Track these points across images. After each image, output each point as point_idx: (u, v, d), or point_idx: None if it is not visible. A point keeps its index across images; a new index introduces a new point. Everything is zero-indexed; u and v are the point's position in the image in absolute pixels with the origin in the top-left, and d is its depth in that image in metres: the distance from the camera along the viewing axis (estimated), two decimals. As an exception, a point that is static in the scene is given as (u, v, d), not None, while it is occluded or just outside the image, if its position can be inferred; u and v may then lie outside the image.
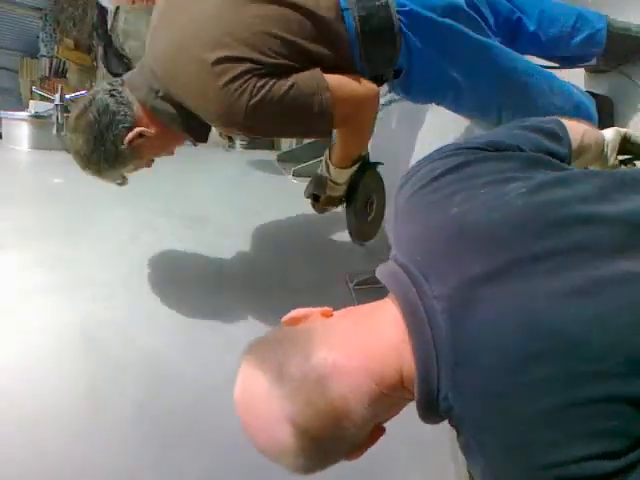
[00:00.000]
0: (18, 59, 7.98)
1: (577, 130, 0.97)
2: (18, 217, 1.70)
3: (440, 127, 2.67)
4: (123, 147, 1.36)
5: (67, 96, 2.09)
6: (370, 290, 1.75)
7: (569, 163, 0.91)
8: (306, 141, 2.48)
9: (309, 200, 1.63)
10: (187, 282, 1.65)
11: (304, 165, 2.21)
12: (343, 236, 1.92)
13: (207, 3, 1.30)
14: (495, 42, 1.51)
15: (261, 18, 1.25)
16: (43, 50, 7.56)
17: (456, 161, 0.76)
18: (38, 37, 7.60)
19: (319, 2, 1.29)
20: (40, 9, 7.50)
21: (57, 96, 2.06)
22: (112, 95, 1.36)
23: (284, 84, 1.24)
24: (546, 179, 0.69)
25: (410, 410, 0.68)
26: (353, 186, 1.58)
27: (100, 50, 6.25)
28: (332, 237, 1.92)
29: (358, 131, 1.45)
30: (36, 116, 2.09)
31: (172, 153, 1.51)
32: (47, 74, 7.61)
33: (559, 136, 0.90)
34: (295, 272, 1.77)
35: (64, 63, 7.36)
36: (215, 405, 1.42)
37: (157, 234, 1.69)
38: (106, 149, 1.35)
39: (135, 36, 5.44)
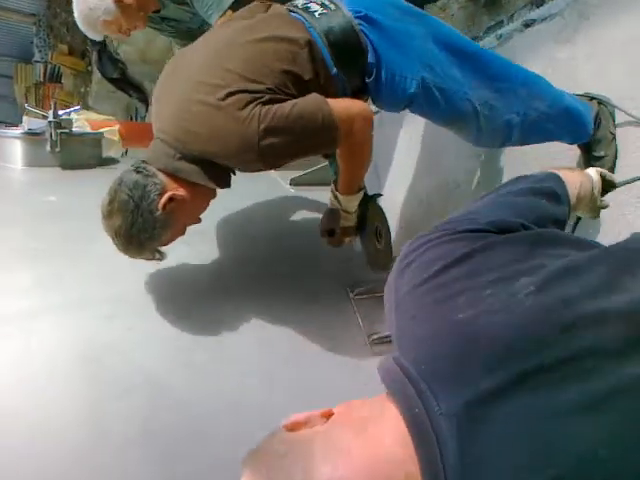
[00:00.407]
0: (12, 65, 7.98)
1: (574, 183, 0.98)
2: (13, 237, 1.69)
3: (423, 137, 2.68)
4: (158, 213, 1.41)
5: (60, 112, 2.08)
6: (370, 299, 1.76)
7: (568, 218, 0.91)
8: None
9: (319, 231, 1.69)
10: (187, 299, 1.64)
11: (302, 174, 2.20)
12: (342, 247, 1.91)
13: (195, 61, 1.44)
14: (468, 43, 1.63)
15: (248, 56, 1.38)
16: (37, 56, 7.57)
17: (458, 251, 0.73)
18: (32, 43, 7.60)
19: (291, 29, 1.44)
20: (34, 15, 7.48)
21: (51, 113, 2.04)
22: (138, 172, 1.44)
23: (286, 106, 1.34)
24: (553, 271, 0.66)
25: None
26: (361, 219, 1.68)
27: (94, 55, 6.22)
28: (329, 246, 1.90)
29: (359, 149, 1.51)
30: (29, 133, 2.08)
31: (199, 220, 1.58)
32: (42, 80, 7.60)
33: (558, 195, 0.89)
34: (295, 282, 1.76)
35: (59, 69, 7.35)
36: (216, 426, 1.43)
37: (155, 252, 1.67)
38: (144, 219, 1.41)
39: (129, 41, 5.41)
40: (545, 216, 0.83)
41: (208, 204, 1.56)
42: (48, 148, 2.04)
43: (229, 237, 1.86)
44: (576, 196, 0.98)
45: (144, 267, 1.65)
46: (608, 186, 1.30)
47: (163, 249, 1.54)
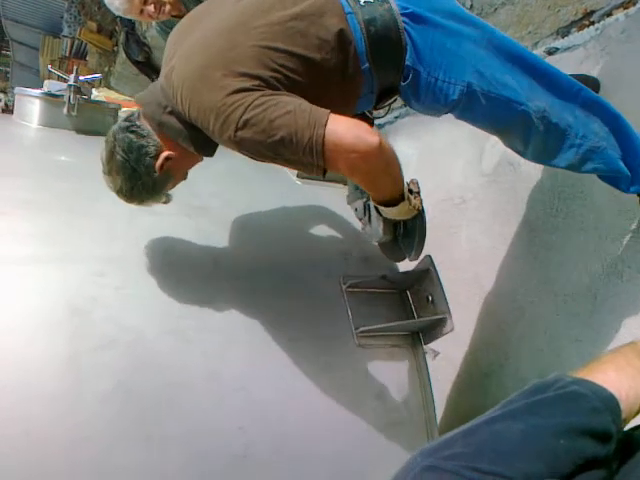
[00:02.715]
0: (40, 37, 8.04)
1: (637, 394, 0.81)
2: (18, 188, 1.70)
3: (451, 142, 2.70)
4: (156, 175, 1.44)
5: (81, 77, 2.11)
6: (361, 293, 1.78)
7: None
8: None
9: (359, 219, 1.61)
10: (179, 269, 1.66)
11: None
12: (341, 239, 1.93)
13: (216, 19, 1.37)
14: (525, 51, 1.53)
15: (267, 33, 1.30)
16: (66, 31, 7.62)
17: None
18: (62, 17, 7.66)
19: (323, 7, 1.34)
20: (67, -10, 7.55)
21: (71, 77, 2.07)
22: (132, 131, 1.43)
23: (282, 108, 1.23)
24: None
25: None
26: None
27: (122, 36, 6.29)
28: (330, 239, 1.92)
29: (370, 181, 1.34)
30: (48, 94, 2.10)
31: (185, 177, 1.56)
32: (67, 54, 7.67)
33: (610, 435, 0.72)
34: (290, 270, 1.77)
35: (85, 45, 7.40)
36: (192, 394, 1.45)
37: (155, 219, 1.69)
38: (143, 182, 1.44)
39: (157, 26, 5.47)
40: (581, 461, 0.69)
41: (196, 163, 1.55)
42: (65, 111, 2.06)
43: (231, 219, 1.87)
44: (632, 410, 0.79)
45: (142, 231, 1.67)
46: None
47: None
